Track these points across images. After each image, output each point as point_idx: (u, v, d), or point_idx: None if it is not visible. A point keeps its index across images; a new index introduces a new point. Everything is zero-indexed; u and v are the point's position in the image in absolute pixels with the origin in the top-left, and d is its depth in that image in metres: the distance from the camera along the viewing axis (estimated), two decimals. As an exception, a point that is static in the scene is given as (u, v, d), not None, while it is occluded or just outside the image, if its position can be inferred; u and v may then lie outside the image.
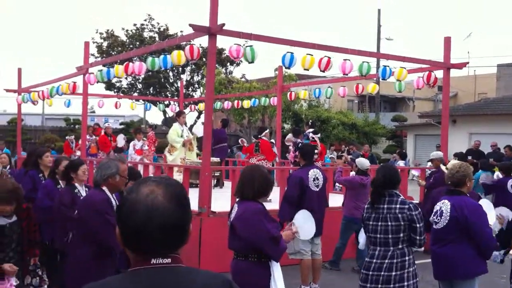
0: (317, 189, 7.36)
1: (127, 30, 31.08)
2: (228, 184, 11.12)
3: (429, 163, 10.94)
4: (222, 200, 9.25)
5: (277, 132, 15.86)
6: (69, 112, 28.94)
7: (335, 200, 9.77)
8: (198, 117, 30.83)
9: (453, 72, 11.68)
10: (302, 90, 15.89)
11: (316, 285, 7.49)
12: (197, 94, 31.37)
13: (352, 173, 9.57)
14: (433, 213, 5.15)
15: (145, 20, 31.30)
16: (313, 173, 7.36)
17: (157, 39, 30.25)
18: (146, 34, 31.25)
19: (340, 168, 9.62)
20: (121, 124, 34.40)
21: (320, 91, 14.36)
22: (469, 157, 13.98)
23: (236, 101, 18.10)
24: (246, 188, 4.40)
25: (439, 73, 11.34)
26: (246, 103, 17.30)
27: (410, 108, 38.64)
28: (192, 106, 21.82)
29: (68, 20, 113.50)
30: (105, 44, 30.76)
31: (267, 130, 12.60)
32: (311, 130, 12.61)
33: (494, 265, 5.42)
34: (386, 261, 4.66)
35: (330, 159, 17.39)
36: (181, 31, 29.89)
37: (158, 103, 23.83)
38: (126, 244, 1.67)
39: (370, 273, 4.73)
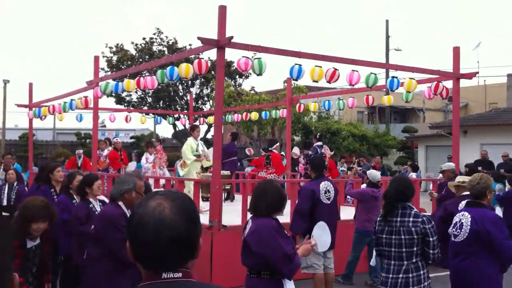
0: (329, 202, 7.30)
1: (136, 44, 31.31)
2: (238, 198, 11.08)
3: (440, 175, 10.85)
4: (233, 213, 9.21)
5: (287, 144, 15.83)
6: (80, 127, 29.15)
7: (347, 212, 9.71)
8: (208, 130, 30.87)
9: (463, 82, 11.61)
10: (311, 102, 15.87)
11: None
12: (206, 107, 31.45)
13: (363, 186, 9.51)
14: (452, 225, 5.09)
15: (154, 34, 31.53)
16: (324, 185, 7.31)
17: (166, 52, 30.42)
18: (155, 48, 31.45)
19: (351, 181, 9.56)
20: (131, 138, 34.54)
21: (330, 103, 14.34)
22: (479, 168, 13.86)
23: (245, 114, 18.12)
24: (259, 203, 4.36)
25: (448, 84, 11.28)
26: (256, 116, 17.31)
27: (420, 119, 38.48)
28: (202, 119, 21.85)
29: (78, 34, 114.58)
30: (114, 58, 30.98)
31: (278, 143, 12.57)
32: (319, 143, 12.62)
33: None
34: (401, 275, 4.59)
35: (341, 171, 17.32)
36: (190, 45, 30.05)
37: (168, 116, 23.90)
38: (136, 258, 1.65)
39: None
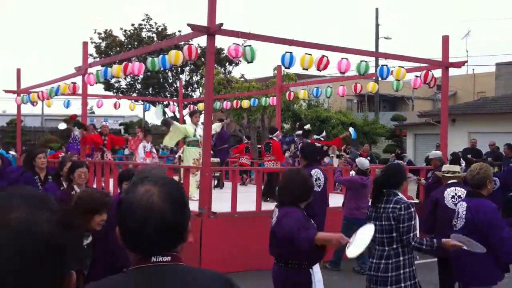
0: (319, 189, 7.35)
1: (125, 30, 31.08)
2: (228, 185, 11.11)
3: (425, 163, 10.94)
4: (222, 201, 9.24)
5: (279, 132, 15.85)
6: (68, 113, 28.93)
7: (336, 200, 9.77)
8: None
9: (452, 71, 11.69)
10: (301, 90, 15.89)
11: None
12: (196, 94, 31.36)
13: (352, 173, 9.56)
14: (456, 215, 5.16)
15: (143, 20, 31.31)
16: (315, 173, 7.35)
17: (155, 39, 30.24)
18: (144, 34, 31.24)
19: (340, 168, 9.61)
20: (120, 124, 34.40)
21: (319, 91, 14.36)
22: (469, 156, 13.99)
23: (235, 101, 18.09)
24: (285, 193, 4.36)
25: (437, 72, 11.35)
26: (245, 103, 17.29)
27: (409, 107, 38.65)
28: (191, 106, 21.80)
29: (66, 20, 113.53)
30: (103, 44, 30.75)
31: (278, 131, 12.61)
32: (299, 132, 12.73)
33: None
34: (383, 261, 4.62)
35: (330, 158, 17.38)
36: (179, 31, 29.89)
37: (157, 103, 23.84)
38: (125, 244, 1.67)
39: (371, 273, 4.72)
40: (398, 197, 4.69)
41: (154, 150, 13.59)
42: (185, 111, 23.38)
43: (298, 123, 13.67)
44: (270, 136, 12.05)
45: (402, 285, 4.56)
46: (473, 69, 38.16)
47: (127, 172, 5.82)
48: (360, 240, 4.31)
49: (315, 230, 4.24)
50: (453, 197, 6.07)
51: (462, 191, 6.00)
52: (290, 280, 4.23)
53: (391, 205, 4.61)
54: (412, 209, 4.57)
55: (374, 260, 4.73)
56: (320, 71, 9.42)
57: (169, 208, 1.65)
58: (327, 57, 9.31)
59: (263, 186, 10.88)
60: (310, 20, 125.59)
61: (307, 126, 13.19)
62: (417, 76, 11.18)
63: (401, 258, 4.61)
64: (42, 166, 7.21)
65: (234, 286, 1.74)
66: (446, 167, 6.74)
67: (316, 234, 4.11)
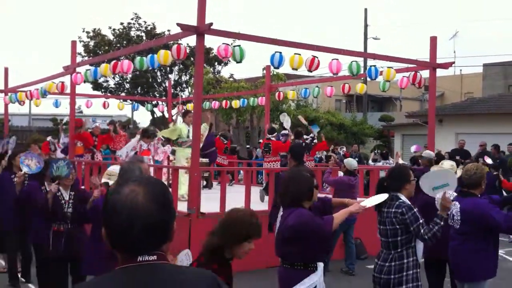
0: None
1: (114, 29, 30.93)
2: (217, 185, 11.10)
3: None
4: (211, 201, 9.23)
5: (265, 132, 15.87)
6: (56, 112, 28.73)
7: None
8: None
9: (439, 72, 11.77)
10: (290, 90, 15.92)
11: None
12: (185, 94, 31.30)
13: (340, 173, 9.60)
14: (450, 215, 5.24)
15: (132, 19, 31.18)
16: None
17: (144, 38, 30.14)
18: (133, 33, 31.11)
19: (329, 169, 9.63)
20: (108, 124, 34.22)
21: (307, 91, 14.40)
22: (457, 157, 14.09)
23: (224, 101, 18.08)
24: (288, 193, 4.36)
25: (425, 73, 11.42)
26: (235, 103, 17.29)
27: (397, 108, 38.85)
28: (180, 106, 21.73)
29: (54, 18, 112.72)
30: (92, 43, 30.59)
31: (276, 133, 12.64)
32: (284, 132, 12.77)
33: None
34: (386, 263, 4.66)
35: (318, 158, 17.43)
36: (169, 30, 29.83)
37: (146, 103, 23.76)
38: (112, 244, 1.68)
39: (375, 274, 4.76)
40: (400, 200, 4.69)
41: (166, 149, 13.08)
42: (174, 110, 23.30)
43: (272, 125, 13.72)
44: (269, 136, 12.02)
45: (404, 287, 4.60)
46: (461, 70, 38.50)
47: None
48: (373, 200, 4.58)
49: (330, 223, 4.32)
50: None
51: (451, 192, 6.03)
52: (296, 281, 4.23)
53: (393, 210, 4.63)
54: (415, 210, 4.62)
55: (378, 261, 4.78)
56: (311, 71, 9.45)
57: (154, 207, 1.67)
58: (317, 57, 9.34)
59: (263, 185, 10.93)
60: (297, 19, 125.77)
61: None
62: (405, 77, 11.25)
63: (405, 261, 4.64)
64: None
65: (221, 284, 1.76)
66: (439, 165, 6.74)
67: (334, 216, 4.23)
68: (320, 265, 4.33)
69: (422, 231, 4.53)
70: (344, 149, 20.58)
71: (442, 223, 4.56)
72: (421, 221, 4.57)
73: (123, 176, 4.45)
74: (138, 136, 12.28)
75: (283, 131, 13.05)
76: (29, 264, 7.49)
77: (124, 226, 1.63)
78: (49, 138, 16.26)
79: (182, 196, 9.92)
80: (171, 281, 1.65)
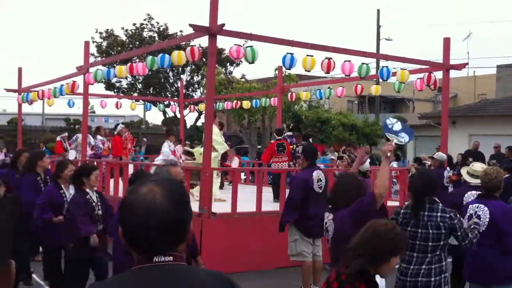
0: (320, 191, 7.34)
1: (126, 30, 31.06)
2: (228, 186, 11.12)
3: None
4: (222, 201, 9.25)
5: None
6: (69, 112, 28.94)
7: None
8: (199, 118, 30.82)
9: (453, 73, 11.69)
10: (303, 92, 15.90)
11: (316, 287, 7.48)
12: (197, 95, 31.36)
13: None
14: (467, 217, 5.20)
15: (145, 20, 31.28)
16: (316, 174, 7.34)
17: (156, 39, 30.23)
18: (145, 33, 31.22)
19: (341, 171, 9.57)
20: (119, 124, 34.37)
21: (321, 92, 14.39)
22: (470, 159, 14.00)
23: (235, 102, 18.09)
24: (340, 197, 4.45)
25: (438, 74, 11.35)
26: (246, 104, 17.29)
27: (409, 109, 38.63)
28: (192, 106, 21.79)
29: (68, 19, 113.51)
30: (104, 43, 30.75)
31: (290, 133, 12.75)
32: (289, 133, 12.83)
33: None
34: (424, 266, 4.68)
35: (330, 160, 17.40)
36: (181, 31, 29.89)
37: (158, 103, 23.84)
38: (128, 244, 1.68)
39: (408, 279, 4.72)
40: (440, 205, 4.77)
41: (177, 149, 13.35)
42: (186, 111, 23.36)
43: (290, 125, 13.78)
44: (279, 137, 12.14)
45: None
46: (474, 71, 38.13)
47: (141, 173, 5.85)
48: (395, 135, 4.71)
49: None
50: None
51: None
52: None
53: (438, 214, 4.67)
54: (458, 216, 4.75)
55: (411, 266, 4.73)
56: (328, 73, 9.46)
57: (172, 207, 1.67)
58: (332, 59, 9.33)
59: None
60: (310, 20, 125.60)
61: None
62: (420, 78, 11.18)
63: (444, 263, 4.73)
64: (47, 166, 7.18)
65: (235, 286, 1.77)
66: (470, 166, 6.62)
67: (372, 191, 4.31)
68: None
69: (470, 237, 4.68)
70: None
71: (479, 228, 4.78)
72: (465, 227, 4.70)
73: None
74: (168, 141, 12.53)
75: (288, 133, 13.13)
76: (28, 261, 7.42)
77: (140, 225, 1.64)
78: (59, 138, 16.32)
79: (215, 196, 9.98)
80: (186, 282, 1.65)
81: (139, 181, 1.76)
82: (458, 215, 4.74)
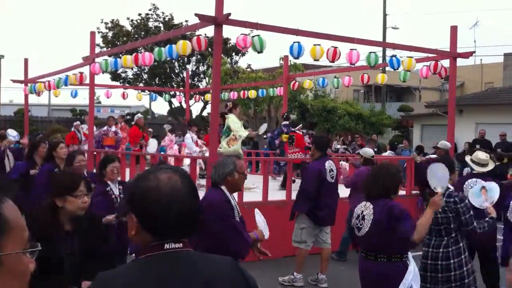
0: (333, 181, 7.37)
1: (132, 20, 31.01)
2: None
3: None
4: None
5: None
6: (75, 103, 29.04)
7: (345, 190, 9.69)
8: (204, 108, 30.81)
9: (460, 62, 11.62)
10: (307, 80, 15.85)
11: (323, 276, 7.51)
12: (202, 85, 31.32)
13: (345, 164, 9.53)
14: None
15: (150, 10, 31.21)
16: (328, 164, 7.37)
17: (162, 29, 30.16)
18: (151, 24, 31.16)
19: (345, 174, 9.54)
20: (127, 114, 34.43)
21: (324, 81, 14.34)
22: (477, 146, 13.97)
23: (242, 92, 18.08)
24: (375, 186, 4.49)
25: (445, 63, 11.28)
26: (252, 93, 17.28)
27: (416, 98, 38.48)
28: (198, 96, 21.78)
29: (73, 9, 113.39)
30: (110, 34, 30.71)
31: (301, 125, 12.80)
32: (285, 122, 12.86)
33: None
34: (441, 250, 4.88)
35: (335, 149, 17.44)
36: (186, 21, 29.80)
37: (164, 93, 23.83)
38: (147, 228, 1.69)
39: (428, 262, 4.94)
40: (450, 190, 4.92)
41: (199, 140, 13.28)
42: (192, 101, 23.34)
43: (285, 114, 13.77)
44: (293, 129, 12.17)
45: (465, 269, 4.85)
46: (481, 60, 37.93)
47: (104, 159, 5.76)
48: (440, 179, 4.57)
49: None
50: (472, 188, 6.08)
51: (481, 182, 6.00)
52: (396, 275, 4.28)
53: (445, 199, 4.78)
54: (466, 201, 4.88)
55: (430, 249, 4.96)
56: (332, 62, 9.41)
57: (191, 195, 1.72)
58: (338, 48, 9.28)
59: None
60: (315, 9, 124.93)
61: (293, 117, 13.37)
62: (425, 66, 11.12)
63: (461, 244, 4.90)
64: (64, 156, 6.86)
65: (244, 272, 1.80)
66: (474, 154, 6.61)
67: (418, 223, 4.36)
68: (410, 254, 4.46)
69: (475, 223, 4.79)
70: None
71: (492, 222, 4.95)
72: (472, 212, 4.80)
73: (215, 169, 4.40)
74: (190, 132, 12.55)
75: (284, 122, 13.16)
76: None
77: (163, 209, 1.66)
78: (73, 128, 16.09)
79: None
80: (197, 268, 1.68)
81: (153, 168, 1.79)
82: (465, 202, 4.83)
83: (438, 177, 4.59)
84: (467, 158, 6.64)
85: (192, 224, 1.74)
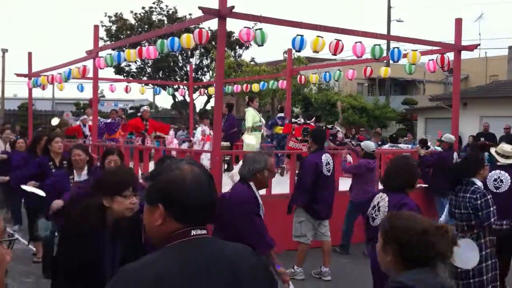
0: (329, 174, 7.36)
1: (135, 14, 30.99)
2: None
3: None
4: (231, 184, 9.22)
5: (287, 116, 15.82)
6: (79, 97, 29.03)
7: (346, 184, 9.68)
8: (208, 101, 30.81)
9: (464, 54, 11.55)
10: (312, 74, 15.81)
11: (326, 269, 7.51)
12: (206, 78, 31.32)
13: (348, 157, 9.50)
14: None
15: (154, 3, 31.20)
16: (325, 157, 7.36)
17: (165, 22, 30.14)
18: (154, 17, 31.15)
19: (345, 157, 9.50)
20: (131, 108, 34.45)
21: (330, 75, 14.29)
22: (482, 139, 13.97)
23: (245, 85, 18.05)
24: (394, 178, 4.50)
25: (450, 55, 11.23)
26: (256, 87, 17.26)
27: (420, 91, 38.39)
28: (202, 90, 21.77)
29: (77, 3, 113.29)
30: (114, 27, 30.70)
31: (314, 118, 12.86)
32: (280, 114, 12.90)
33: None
34: None
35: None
36: (190, 14, 29.79)
37: (167, 87, 23.83)
38: (176, 215, 1.77)
39: None
40: (476, 186, 4.99)
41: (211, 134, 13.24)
42: (196, 94, 23.33)
43: (279, 106, 13.84)
44: (308, 122, 12.25)
45: (483, 265, 4.92)
46: (486, 52, 37.83)
47: (104, 152, 5.66)
48: (464, 252, 4.27)
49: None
50: (495, 180, 6.14)
51: (506, 176, 6.09)
52: None
53: (467, 195, 4.92)
54: (488, 197, 4.89)
55: None
56: (335, 55, 9.37)
57: (211, 185, 1.85)
58: (341, 41, 9.23)
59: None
60: (319, 2, 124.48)
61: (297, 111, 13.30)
62: (431, 60, 11.07)
63: (482, 241, 4.94)
64: (59, 150, 6.92)
65: (260, 257, 1.95)
66: (499, 147, 6.65)
67: None
68: None
69: (492, 219, 4.81)
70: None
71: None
72: (492, 209, 4.83)
73: (245, 164, 4.37)
74: (202, 125, 12.55)
75: (280, 114, 13.19)
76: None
77: (189, 197, 1.77)
78: (78, 122, 15.97)
79: None
80: (222, 251, 1.79)
81: (171, 162, 1.89)
82: (486, 197, 4.87)
83: (466, 258, 4.43)
84: (492, 150, 6.67)
85: (212, 212, 1.86)
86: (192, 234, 1.76)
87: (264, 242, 4.20)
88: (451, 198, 5.15)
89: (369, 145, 8.94)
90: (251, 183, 4.31)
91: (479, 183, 5.02)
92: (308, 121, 12.21)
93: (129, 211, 3.21)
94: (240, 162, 4.90)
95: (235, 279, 1.73)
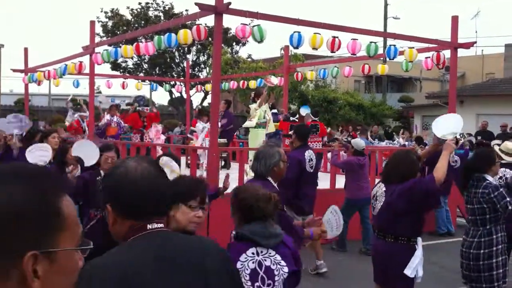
0: (312, 170, 7.31)
1: (132, 9, 30.91)
2: (235, 165, 11.13)
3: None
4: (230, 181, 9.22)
5: (284, 113, 15.81)
6: (75, 93, 28.90)
7: (341, 181, 9.68)
8: (205, 98, 30.77)
9: (461, 52, 11.57)
10: (309, 71, 15.80)
11: (321, 261, 7.52)
12: (203, 75, 31.27)
13: (343, 154, 9.54)
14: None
15: (150, -1, 31.10)
16: (308, 154, 7.31)
17: (162, 18, 30.06)
18: (151, 13, 31.06)
19: (335, 152, 9.49)
20: (127, 104, 34.33)
21: (325, 72, 14.29)
22: (479, 138, 13.98)
23: (242, 81, 18.04)
24: (392, 172, 4.62)
25: (446, 53, 11.25)
26: (252, 84, 17.24)
27: (417, 88, 38.41)
28: (199, 86, 21.74)
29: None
30: (110, 23, 30.61)
31: (275, 110, 12.89)
32: (273, 111, 13.00)
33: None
34: (475, 239, 5.06)
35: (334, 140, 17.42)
36: (187, 10, 29.74)
37: (164, 83, 23.79)
38: (126, 212, 1.77)
39: (463, 249, 5.18)
40: (487, 181, 5.08)
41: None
42: (193, 91, 23.30)
43: (271, 104, 13.83)
44: (316, 118, 12.30)
45: (494, 260, 5.00)
46: (482, 50, 37.94)
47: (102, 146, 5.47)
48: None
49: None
50: (500, 178, 6.16)
51: (510, 173, 6.17)
52: (400, 255, 4.46)
53: (480, 190, 5.03)
54: (501, 189, 5.01)
55: (467, 238, 5.18)
56: (333, 52, 9.37)
57: (159, 178, 1.84)
58: (338, 38, 9.23)
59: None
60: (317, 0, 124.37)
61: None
62: (428, 57, 11.08)
63: (494, 236, 5.04)
64: (55, 146, 6.82)
65: (225, 252, 1.95)
66: (503, 145, 6.70)
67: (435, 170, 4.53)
68: (419, 239, 4.58)
69: (510, 207, 4.91)
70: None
71: None
72: (508, 199, 4.92)
73: (261, 161, 4.31)
74: (200, 122, 12.53)
75: (273, 110, 13.23)
76: None
77: (132, 192, 1.76)
78: (76, 116, 15.84)
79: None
80: (183, 243, 1.79)
81: (125, 160, 1.90)
82: (499, 190, 4.96)
83: (448, 125, 4.85)
84: (496, 148, 6.71)
85: (164, 206, 1.85)
86: (148, 228, 1.75)
87: (297, 234, 4.19)
88: (464, 194, 5.26)
89: (359, 143, 8.95)
90: (269, 178, 4.33)
91: (490, 179, 5.10)
92: (315, 118, 12.43)
93: (193, 225, 2.86)
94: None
95: (200, 270, 1.73)
